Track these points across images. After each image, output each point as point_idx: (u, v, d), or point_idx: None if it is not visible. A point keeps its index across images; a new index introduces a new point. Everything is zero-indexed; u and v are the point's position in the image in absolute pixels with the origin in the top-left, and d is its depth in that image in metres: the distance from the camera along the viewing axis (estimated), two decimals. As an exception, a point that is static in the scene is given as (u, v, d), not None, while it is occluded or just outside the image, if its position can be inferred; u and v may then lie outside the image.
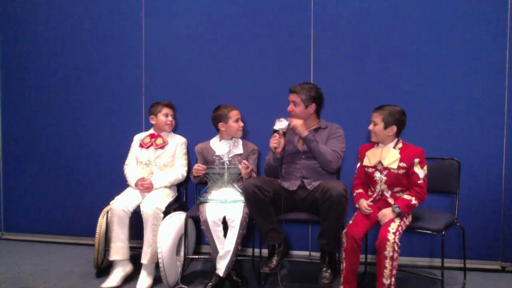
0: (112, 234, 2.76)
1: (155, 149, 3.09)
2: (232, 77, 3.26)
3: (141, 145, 3.12)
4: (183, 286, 2.68)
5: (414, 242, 3.06)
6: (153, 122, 3.15)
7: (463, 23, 2.93)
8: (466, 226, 2.80)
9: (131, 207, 2.81)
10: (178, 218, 2.80)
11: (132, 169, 3.10)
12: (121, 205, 2.78)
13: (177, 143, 3.15)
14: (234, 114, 2.92)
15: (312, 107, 2.80)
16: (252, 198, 2.56)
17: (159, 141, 3.11)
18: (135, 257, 2.87)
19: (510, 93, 2.91)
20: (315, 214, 2.63)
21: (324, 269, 2.54)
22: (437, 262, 3.02)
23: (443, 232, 2.48)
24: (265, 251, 2.81)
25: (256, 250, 2.85)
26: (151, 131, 3.19)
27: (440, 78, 2.97)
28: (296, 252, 3.24)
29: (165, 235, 2.66)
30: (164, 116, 3.11)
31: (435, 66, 2.98)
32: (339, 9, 3.08)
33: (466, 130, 2.95)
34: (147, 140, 3.13)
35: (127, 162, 3.15)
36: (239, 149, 2.96)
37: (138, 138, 3.19)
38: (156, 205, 2.78)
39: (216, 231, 2.64)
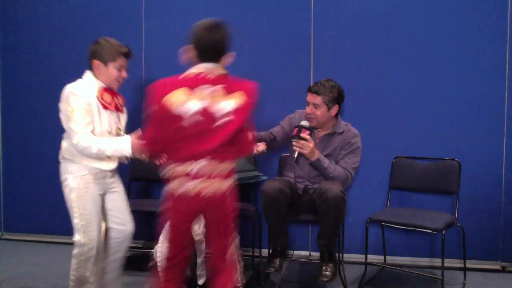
0: (88, 274, 2.19)
1: (118, 112, 2.28)
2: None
3: (104, 106, 2.17)
4: (183, 286, 2.67)
5: (414, 242, 3.06)
6: (97, 71, 2.22)
7: (463, 23, 2.93)
8: (466, 226, 2.80)
9: (102, 236, 2.24)
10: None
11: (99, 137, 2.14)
12: (98, 241, 2.17)
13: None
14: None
15: (335, 109, 2.63)
16: (273, 202, 2.44)
17: (119, 101, 2.30)
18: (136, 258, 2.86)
19: (510, 93, 2.91)
20: (315, 214, 2.62)
21: (324, 267, 2.53)
22: (437, 262, 3.02)
23: (444, 232, 2.48)
24: (264, 251, 2.81)
25: (256, 250, 2.86)
26: (98, 82, 2.22)
27: (440, 78, 2.97)
28: (296, 252, 3.23)
29: (163, 240, 2.56)
30: (117, 70, 2.23)
31: (435, 66, 2.97)
32: (339, 9, 3.08)
33: (466, 130, 2.95)
34: (108, 98, 2.20)
35: (82, 129, 2.08)
36: None
37: (86, 92, 2.14)
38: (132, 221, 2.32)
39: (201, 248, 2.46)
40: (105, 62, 2.21)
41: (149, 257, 2.49)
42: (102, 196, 2.24)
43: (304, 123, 2.57)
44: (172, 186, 1.71)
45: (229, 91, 1.70)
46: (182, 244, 1.80)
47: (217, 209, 1.73)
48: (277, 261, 2.59)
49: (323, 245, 2.56)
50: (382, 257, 3.06)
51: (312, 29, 3.12)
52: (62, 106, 2.14)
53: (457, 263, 2.93)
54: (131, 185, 3.28)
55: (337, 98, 2.64)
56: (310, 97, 2.64)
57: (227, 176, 1.72)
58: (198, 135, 1.67)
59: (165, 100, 1.66)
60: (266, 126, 2.91)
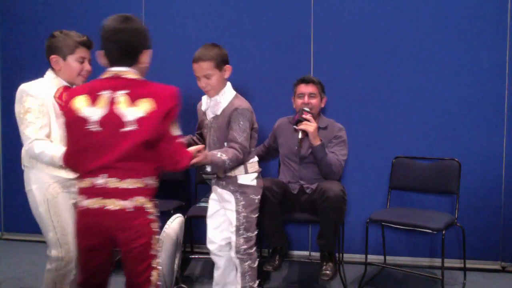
0: None
1: None
2: (232, 77, 3.25)
3: (62, 107, 1.92)
4: (183, 286, 2.67)
5: (414, 242, 3.06)
6: (56, 67, 2.03)
7: (463, 23, 2.93)
8: (466, 226, 2.80)
9: None
10: (177, 220, 2.73)
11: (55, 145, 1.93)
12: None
13: None
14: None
15: (324, 100, 2.75)
16: (262, 200, 2.41)
17: None
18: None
19: (510, 93, 2.91)
20: (314, 214, 2.62)
21: (324, 266, 2.53)
22: (437, 262, 3.02)
23: (444, 232, 2.48)
24: (265, 251, 2.81)
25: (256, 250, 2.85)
26: (59, 80, 2.04)
27: (440, 78, 2.97)
28: (296, 252, 3.24)
29: (165, 239, 2.54)
30: (79, 62, 2.01)
31: (435, 66, 2.97)
32: (339, 9, 3.08)
33: (466, 130, 2.95)
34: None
35: (35, 134, 1.92)
36: (218, 107, 2.23)
37: (42, 92, 1.96)
38: None
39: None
40: (63, 56, 2.02)
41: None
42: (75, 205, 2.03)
43: (305, 108, 2.59)
44: (77, 202, 1.56)
45: (134, 97, 1.48)
46: (91, 269, 1.59)
47: (121, 231, 1.51)
48: (276, 260, 2.60)
49: (323, 244, 2.57)
50: (382, 257, 3.06)
51: (312, 29, 3.12)
52: (16, 107, 1.95)
53: (457, 263, 2.93)
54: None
55: (324, 91, 2.74)
56: (305, 88, 2.69)
57: (132, 194, 1.50)
58: (96, 148, 1.49)
59: (68, 108, 1.53)
60: (266, 127, 2.91)
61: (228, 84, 2.27)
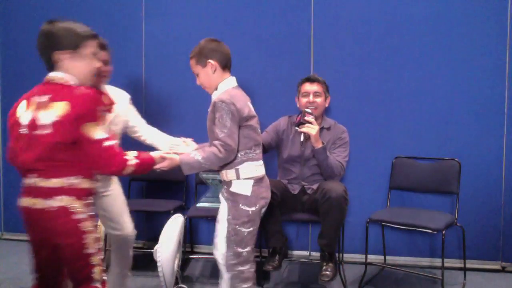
0: None
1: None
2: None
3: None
4: (183, 286, 2.67)
5: (414, 242, 3.06)
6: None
7: (463, 23, 2.93)
8: (466, 226, 2.80)
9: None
10: (178, 220, 2.74)
11: None
12: None
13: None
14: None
15: (328, 100, 2.77)
16: None
17: (105, 99, 2.10)
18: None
19: (510, 93, 2.91)
20: (315, 214, 2.62)
21: (324, 267, 2.53)
22: (437, 262, 3.02)
23: (443, 232, 2.49)
24: (265, 251, 2.81)
25: (256, 250, 2.85)
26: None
27: (440, 78, 2.97)
28: (296, 252, 3.24)
29: (165, 239, 2.56)
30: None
31: (435, 66, 2.97)
32: (339, 9, 3.08)
33: (466, 130, 2.95)
34: None
35: None
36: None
37: None
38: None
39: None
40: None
41: (150, 257, 2.49)
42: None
43: (308, 109, 2.60)
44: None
45: (53, 101, 1.54)
46: (39, 263, 1.64)
47: (48, 230, 1.54)
48: (276, 259, 2.60)
49: (324, 245, 2.57)
50: (382, 257, 3.06)
51: (312, 29, 3.12)
52: None
53: (457, 263, 2.93)
54: (131, 185, 3.29)
55: (328, 90, 2.77)
56: (311, 86, 2.71)
57: (57, 194, 1.52)
58: (23, 149, 1.57)
59: (12, 112, 1.64)
60: (266, 127, 2.91)
61: (227, 79, 2.03)
